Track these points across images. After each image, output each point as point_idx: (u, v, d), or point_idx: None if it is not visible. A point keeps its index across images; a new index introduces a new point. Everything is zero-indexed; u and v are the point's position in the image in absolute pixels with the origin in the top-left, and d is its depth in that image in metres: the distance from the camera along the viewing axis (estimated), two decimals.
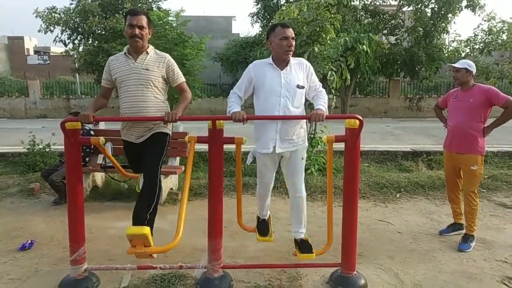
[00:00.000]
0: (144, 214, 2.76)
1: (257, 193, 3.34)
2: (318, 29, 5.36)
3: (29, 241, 3.72)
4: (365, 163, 6.94)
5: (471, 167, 3.69)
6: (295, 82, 2.92)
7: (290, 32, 2.89)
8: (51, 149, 6.49)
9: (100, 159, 5.35)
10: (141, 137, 3.06)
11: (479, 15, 13.82)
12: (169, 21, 7.43)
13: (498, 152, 7.21)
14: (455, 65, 3.74)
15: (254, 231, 3.40)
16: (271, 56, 3.00)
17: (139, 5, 14.35)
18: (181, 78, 3.12)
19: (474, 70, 3.72)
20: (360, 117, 2.74)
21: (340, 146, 3.00)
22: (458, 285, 3.03)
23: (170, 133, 3.19)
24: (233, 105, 2.92)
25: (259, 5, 17.43)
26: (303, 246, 3.05)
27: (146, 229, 2.49)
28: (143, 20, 2.94)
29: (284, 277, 3.12)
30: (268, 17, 16.90)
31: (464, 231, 3.85)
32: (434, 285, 3.03)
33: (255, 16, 18.05)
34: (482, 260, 3.45)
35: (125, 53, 3.02)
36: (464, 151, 3.73)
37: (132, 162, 3.37)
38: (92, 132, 5.04)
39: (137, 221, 2.74)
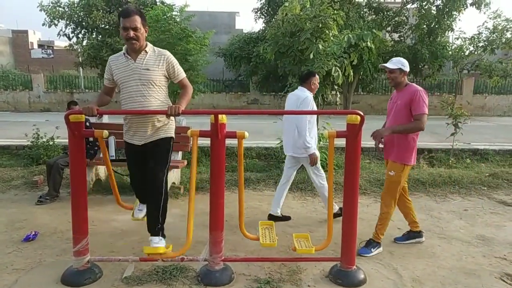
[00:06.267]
0: (155, 225, 3.04)
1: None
2: (320, 25, 5.37)
3: (33, 233, 3.77)
4: (366, 159, 6.95)
5: (389, 172, 3.49)
6: None
7: None
8: (55, 142, 6.55)
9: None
10: (145, 139, 3.01)
11: (484, 13, 13.70)
12: (173, 16, 7.45)
13: (499, 150, 7.23)
14: (388, 65, 3.40)
15: (257, 240, 3.26)
16: None
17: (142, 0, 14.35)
18: (182, 74, 3.10)
19: (407, 69, 3.42)
20: (361, 113, 2.77)
21: (342, 142, 3.03)
22: (456, 281, 3.06)
23: (174, 136, 3.18)
24: None
25: (263, 1, 17.39)
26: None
27: (161, 249, 2.90)
28: (137, 21, 2.86)
29: (284, 270, 3.16)
30: (271, 12, 16.85)
31: (422, 240, 3.74)
32: (432, 281, 3.06)
33: (259, 12, 18.02)
34: (481, 257, 3.48)
35: (124, 53, 2.98)
36: (387, 157, 3.56)
37: (133, 167, 3.24)
38: (87, 124, 4.83)
39: (151, 232, 3.06)
